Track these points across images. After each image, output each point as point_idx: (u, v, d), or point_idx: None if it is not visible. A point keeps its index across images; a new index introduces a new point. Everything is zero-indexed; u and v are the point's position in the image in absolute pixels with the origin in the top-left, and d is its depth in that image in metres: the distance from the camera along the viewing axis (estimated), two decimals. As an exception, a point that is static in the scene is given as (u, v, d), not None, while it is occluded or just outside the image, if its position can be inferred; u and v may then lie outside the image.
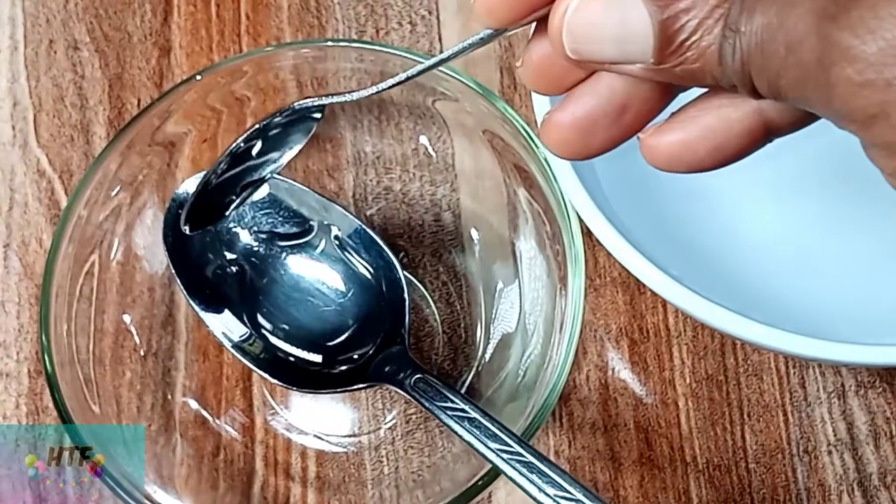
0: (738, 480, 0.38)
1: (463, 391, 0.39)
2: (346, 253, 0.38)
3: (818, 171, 0.39)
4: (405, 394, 0.35)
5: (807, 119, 0.26)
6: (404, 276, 0.40)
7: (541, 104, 0.35)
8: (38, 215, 0.42)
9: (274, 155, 0.34)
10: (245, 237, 0.38)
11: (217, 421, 0.38)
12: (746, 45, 0.22)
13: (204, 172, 0.33)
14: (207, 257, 0.37)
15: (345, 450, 0.39)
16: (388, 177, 0.41)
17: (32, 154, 0.43)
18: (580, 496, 0.31)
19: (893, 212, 0.38)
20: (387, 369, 0.36)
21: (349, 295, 0.37)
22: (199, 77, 0.37)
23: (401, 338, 0.36)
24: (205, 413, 0.38)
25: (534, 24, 0.26)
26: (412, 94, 0.39)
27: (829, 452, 0.38)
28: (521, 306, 0.38)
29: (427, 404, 0.34)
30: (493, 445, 0.32)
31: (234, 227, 0.37)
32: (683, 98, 0.26)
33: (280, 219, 0.38)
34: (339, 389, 0.37)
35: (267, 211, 0.38)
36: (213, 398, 0.39)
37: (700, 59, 0.23)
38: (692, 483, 0.38)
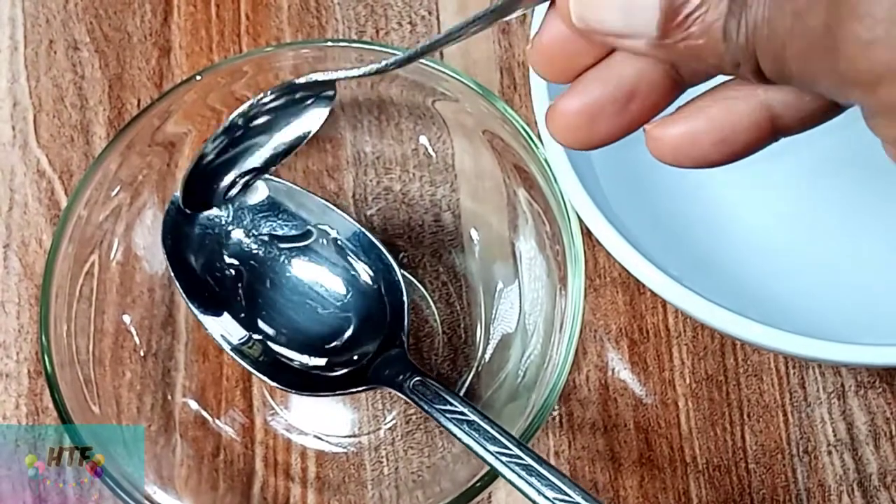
0: (738, 481, 0.38)
1: (463, 391, 0.39)
2: (345, 256, 0.38)
3: (819, 172, 0.39)
4: (404, 397, 0.35)
5: (813, 117, 0.25)
6: (404, 276, 0.40)
7: (541, 104, 0.35)
8: (38, 215, 0.42)
9: (280, 140, 0.35)
10: (244, 240, 0.38)
11: (217, 421, 0.38)
12: (752, 18, 0.22)
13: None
14: (206, 260, 0.37)
15: (345, 450, 0.39)
16: (388, 177, 0.41)
17: (32, 154, 0.43)
18: (579, 499, 0.31)
19: (894, 212, 0.38)
20: (386, 372, 0.36)
21: (348, 298, 0.37)
22: (199, 77, 0.37)
23: (400, 340, 0.36)
24: (205, 413, 0.38)
25: (545, 8, 0.26)
26: (412, 94, 0.39)
27: (829, 453, 0.38)
28: (520, 306, 0.38)
29: (426, 407, 0.34)
30: (492, 448, 0.32)
31: (233, 229, 0.37)
32: (691, 95, 0.26)
33: (279, 221, 0.38)
34: (338, 392, 0.37)
35: (266, 213, 0.38)
36: (213, 399, 0.39)
37: (704, 34, 0.23)
38: (692, 483, 0.38)
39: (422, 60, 0.36)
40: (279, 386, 0.37)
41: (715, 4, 0.23)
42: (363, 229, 0.38)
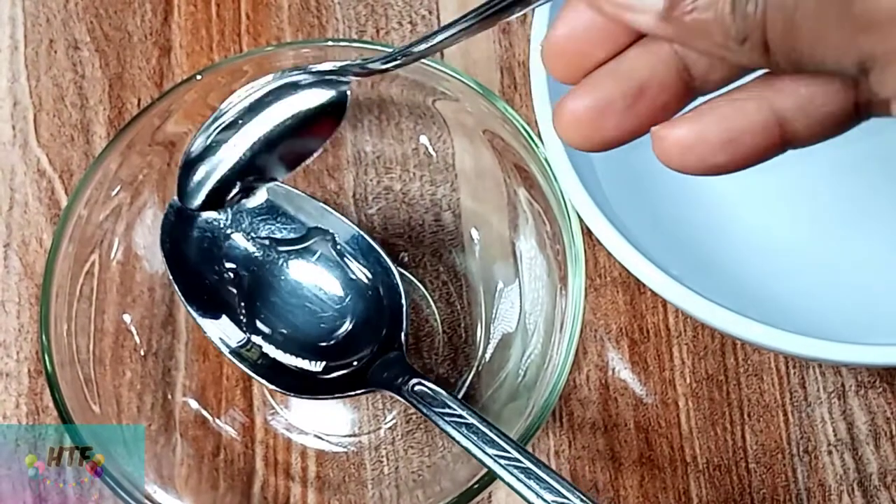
0: (739, 480, 0.38)
1: (463, 391, 0.39)
2: (343, 259, 0.38)
3: (819, 173, 0.39)
4: (403, 399, 0.35)
5: (823, 127, 0.25)
6: (405, 276, 0.40)
7: (541, 104, 0.35)
8: (39, 215, 0.42)
9: (288, 148, 0.35)
10: (243, 243, 0.38)
11: (217, 421, 0.38)
12: None
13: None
14: (205, 263, 0.37)
15: (345, 450, 0.39)
16: (389, 176, 0.41)
17: (33, 154, 0.43)
18: (577, 502, 0.31)
19: (894, 212, 0.38)
20: (384, 375, 0.36)
21: (346, 301, 0.37)
22: (199, 77, 0.37)
23: (399, 343, 0.36)
24: (205, 413, 0.38)
25: (548, 8, 0.26)
26: (412, 93, 0.39)
27: (830, 452, 0.38)
28: (521, 306, 0.38)
29: (425, 410, 0.34)
30: (491, 451, 0.32)
31: (232, 232, 0.37)
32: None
33: (278, 224, 0.38)
34: (336, 395, 0.37)
35: (265, 216, 0.38)
36: (214, 398, 0.39)
37: (712, 6, 0.23)
38: (692, 483, 0.38)
39: (422, 60, 0.37)
40: (278, 389, 0.37)
41: None
42: (362, 232, 0.38)
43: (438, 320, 0.40)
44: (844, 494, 0.38)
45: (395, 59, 0.32)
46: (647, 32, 0.25)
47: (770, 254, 0.38)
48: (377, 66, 0.33)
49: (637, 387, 0.39)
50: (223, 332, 0.37)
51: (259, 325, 0.37)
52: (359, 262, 0.37)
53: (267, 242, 0.38)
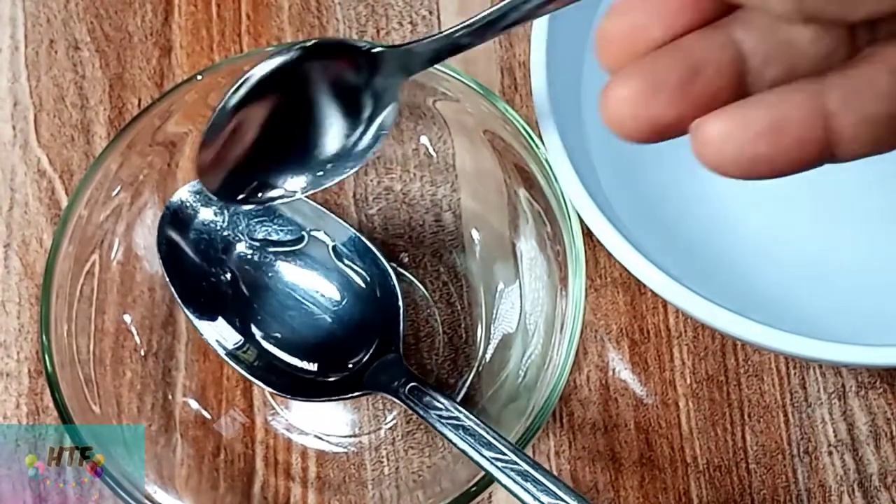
0: (739, 481, 0.38)
1: (463, 391, 0.39)
2: (340, 261, 0.38)
3: (821, 173, 0.39)
4: (399, 402, 0.35)
5: (872, 130, 0.24)
6: (404, 276, 0.40)
7: (541, 104, 0.35)
8: (39, 215, 0.42)
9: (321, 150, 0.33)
10: (239, 245, 0.38)
11: (217, 421, 0.38)
12: None
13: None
14: (201, 265, 0.37)
15: (345, 450, 0.39)
16: (389, 177, 0.41)
17: (33, 154, 0.43)
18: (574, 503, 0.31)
19: (894, 212, 0.38)
20: (381, 377, 0.36)
21: (343, 303, 0.37)
22: (199, 77, 0.37)
23: (395, 346, 0.36)
24: (205, 413, 0.38)
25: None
26: (413, 94, 0.39)
27: (830, 453, 0.38)
28: (521, 307, 0.38)
29: (422, 413, 0.34)
30: (488, 453, 0.32)
31: (229, 234, 0.37)
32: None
33: (274, 226, 0.38)
34: (333, 397, 0.37)
35: (261, 218, 0.38)
36: (214, 398, 0.39)
37: None
38: (692, 484, 0.38)
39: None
40: (274, 391, 0.37)
41: None
42: (358, 234, 0.38)
43: (439, 321, 0.40)
44: (845, 495, 0.38)
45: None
46: None
47: (770, 254, 0.38)
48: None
49: (637, 387, 0.39)
50: (220, 333, 0.37)
51: (255, 327, 0.37)
52: (355, 264, 0.37)
53: (263, 244, 0.38)
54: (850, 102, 0.24)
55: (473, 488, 0.33)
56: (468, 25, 0.31)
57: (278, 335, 0.37)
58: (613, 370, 0.39)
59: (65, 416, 0.34)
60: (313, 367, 0.37)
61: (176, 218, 0.37)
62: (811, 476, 0.38)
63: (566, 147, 0.34)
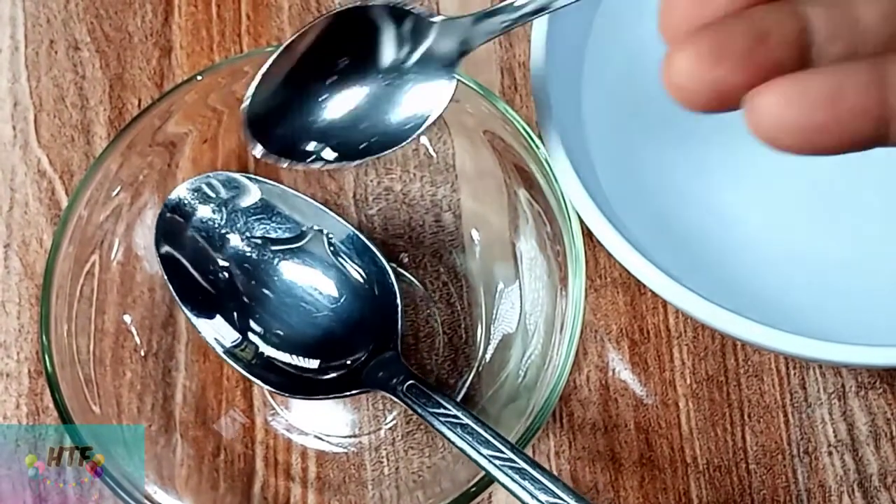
0: (739, 481, 0.38)
1: (463, 392, 0.39)
2: (338, 259, 0.38)
3: (821, 174, 0.39)
4: (397, 400, 0.35)
5: None
6: (404, 276, 0.40)
7: (541, 104, 0.35)
8: (39, 215, 0.42)
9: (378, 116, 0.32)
10: (237, 242, 0.38)
11: (217, 422, 0.38)
12: None
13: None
14: (200, 263, 0.37)
15: (345, 450, 0.39)
16: (389, 177, 0.41)
17: (33, 154, 0.43)
18: (572, 502, 0.31)
19: (894, 213, 0.38)
20: (379, 375, 0.36)
21: (342, 301, 0.37)
22: (199, 77, 0.37)
23: (394, 344, 0.36)
24: (205, 413, 0.38)
25: None
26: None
27: (830, 453, 0.38)
28: (521, 307, 0.38)
29: (419, 410, 0.34)
30: (486, 452, 0.32)
31: (227, 232, 0.38)
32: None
33: (273, 224, 0.38)
34: (331, 395, 0.37)
35: (259, 216, 0.38)
36: (214, 399, 0.39)
37: None
38: (692, 484, 0.38)
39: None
40: (272, 389, 0.37)
41: None
42: (357, 232, 0.38)
43: (439, 321, 0.40)
44: (845, 495, 0.38)
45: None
46: None
47: (770, 254, 0.38)
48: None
49: (637, 387, 0.39)
50: (218, 331, 0.37)
51: (254, 325, 0.37)
52: (354, 262, 0.38)
53: (262, 242, 0.38)
54: None
55: (473, 488, 0.33)
56: None
57: (277, 333, 0.37)
58: (613, 370, 0.39)
59: (65, 417, 0.34)
60: (312, 364, 0.37)
61: (174, 215, 0.37)
62: (811, 476, 0.38)
63: (566, 147, 0.34)
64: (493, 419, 0.35)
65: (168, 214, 0.37)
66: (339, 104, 0.32)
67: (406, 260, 0.40)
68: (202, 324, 0.37)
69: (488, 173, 0.39)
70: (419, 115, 0.32)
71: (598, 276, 0.40)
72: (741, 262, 0.38)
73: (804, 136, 0.24)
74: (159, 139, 0.38)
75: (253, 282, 0.37)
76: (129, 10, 0.44)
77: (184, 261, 0.37)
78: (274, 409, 0.39)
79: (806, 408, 0.39)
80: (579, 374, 0.39)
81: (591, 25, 0.40)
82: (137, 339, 0.38)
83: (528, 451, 0.34)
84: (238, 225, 0.38)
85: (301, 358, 0.37)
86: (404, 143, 0.33)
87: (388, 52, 0.32)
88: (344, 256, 0.38)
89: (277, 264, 0.38)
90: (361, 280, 0.37)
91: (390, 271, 0.37)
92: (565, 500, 0.31)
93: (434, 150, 0.40)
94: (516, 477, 0.31)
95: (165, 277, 0.37)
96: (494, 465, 0.32)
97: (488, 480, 0.33)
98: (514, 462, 0.32)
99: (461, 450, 0.33)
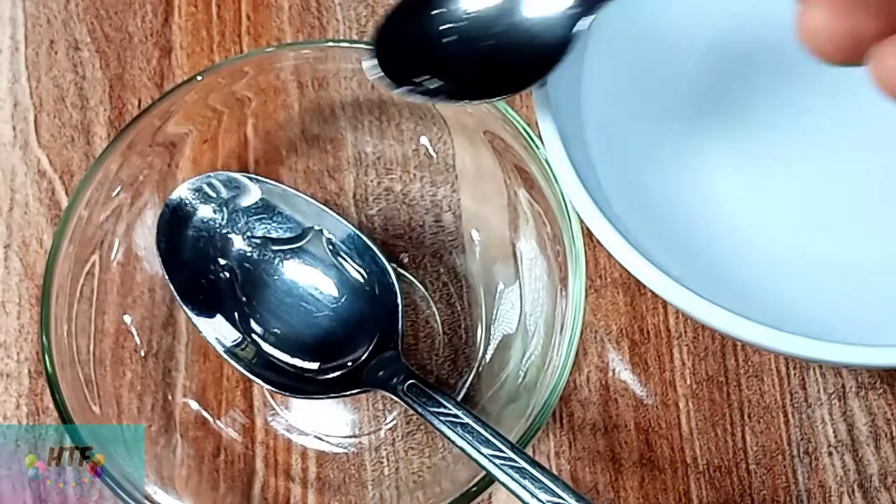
0: (739, 482, 0.38)
1: (463, 392, 0.39)
2: (339, 258, 0.38)
3: (821, 174, 0.39)
4: (398, 399, 0.35)
5: None
6: (404, 276, 0.40)
7: (541, 105, 0.35)
8: (39, 216, 0.42)
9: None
10: (238, 242, 0.38)
11: (217, 422, 0.38)
12: None
13: None
14: (200, 262, 0.37)
15: (345, 451, 0.39)
16: (389, 177, 0.41)
17: (33, 154, 0.43)
18: (572, 501, 0.31)
19: (894, 213, 0.38)
20: (380, 374, 0.36)
21: (342, 300, 0.37)
22: (199, 77, 0.37)
23: (394, 343, 0.36)
24: (205, 414, 0.38)
25: None
26: (413, 94, 0.39)
27: (830, 454, 0.38)
28: (521, 307, 0.38)
29: (419, 409, 0.34)
30: (486, 451, 0.32)
31: (228, 231, 0.38)
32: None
33: (273, 224, 0.38)
34: (332, 395, 0.37)
35: (260, 216, 0.38)
36: (214, 399, 0.39)
37: None
38: (692, 484, 0.38)
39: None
40: (273, 388, 0.37)
41: None
42: (357, 231, 0.38)
43: (439, 321, 0.40)
44: (845, 496, 0.38)
45: None
46: None
47: (770, 255, 0.38)
48: None
49: (637, 388, 0.39)
50: (218, 331, 0.37)
51: (254, 324, 0.37)
52: (354, 262, 0.38)
53: (262, 242, 0.38)
54: None
55: (474, 488, 0.33)
56: None
57: (277, 332, 0.37)
58: (613, 371, 0.39)
59: (65, 417, 0.34)
60: (312, 364, 0.37)
61: (175, 215, 0.37)
62: (811, 476, 0.38)
63: (566, 147, 0.34)
64: (494, 419, 0.35)
65: (169, 214, 0.37)
66: (465, 44, 0.34)
67: (406, 260, 0.40)
68: (203, 323, 0.37)
69: (488, 173, 0.39)
70: (538, 65, 0.33)
71: (598, 276, 0.40)
72: (741, 263, 0.38)
73: (852, 39, 0.24)
74: (159, 139, 0.38)
75: (254, 281, 0.38)
76: (129, 10, 0.44)
77: (185, 260, 0.37)
78: (274, 409, 0.39)
79: (806, 408, 0.39)
80: (579, 374, 0.39)
81: (591, 25, 0.40)
82: (137, 340, 0.38)
83: (528, 452, 0.34)
84: (239, 225, 0.38)
85: (301, 357, 0.37)
86: (521, 90, 0.34)
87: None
88: (344, 256, 0.38)
89: (278, 264, 0.38)
90: (362, 279, 0.37)
91: (391, 271, 0.37)
92: (566, 500, 0.31)
93: (434, 150, 0.40)
94: (517, 476, 0.31)
95: (166, 277, 0.37)
96: (495, 464, 0.32)
97: (488, 480, 0.33)
98: (515, 461, 0.32)
99: (461, 449, 0.33)
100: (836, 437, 0.38)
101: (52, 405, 0.34)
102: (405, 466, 0.38)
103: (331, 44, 0.40)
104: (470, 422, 0.33)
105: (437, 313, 0.40)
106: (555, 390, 0.33)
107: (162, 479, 0.36)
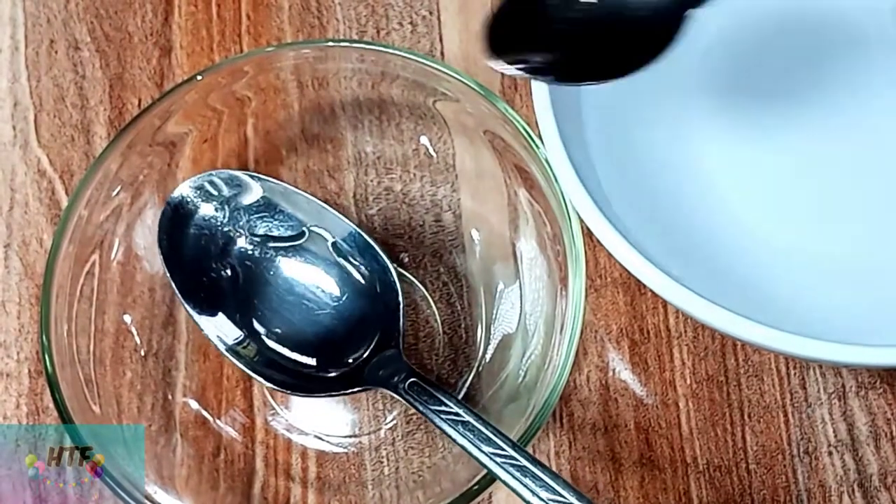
0: (739, 481, 0.38)
1: (463, 392, 0.39)
2: (340, 256, 0.38)
3: (821, 175, 0.39)
4: (399, 397, 0.35)
5: None
6: (405, 276, 0.40)
7: (541, 104, 0.35)
8: (39, 215, 0.42)
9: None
10: (239, 240, 0.38)
11: (217, 421, 0.38)
12: None
13: None
14: (202, 260, 0.37)
15: (345, 450, 0.39)
16: (389, 177, 0.41)
17: (33, 154, 0.43)
18: (573, 500, 0.31)
19: (894, 214, 0.38)
20: (381, 373, 0.36)
21: (343, 298, 0.37)
22: (199, 77, 0.37)
23: (395, 341, 0.36)
24: (205, 413, 0.38)
25: None
26: (413, 94, 0.39)
27: (830, 453, 0.38)
28: (521, 307, 0.38)
29: (420, 407, 0.34)
30: (487, 449, 0.32)
31: (229, 230, 0.38)
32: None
33: (275, 222, 0.38)
34: (333, 393, 0.37)
35: (262, 214, 0.38)
36: (214, 398, 0.39)
37: None
38: (692, 484, 0.38)
39: (423, 60, 0.37)
40: (274, 387, 0.37)
41: None
42: (358, 230, 0.38)
43: (439, 321, 0.40)
44: (845, 495, 0.38)
45: None
46: None
47: (770, 254, 0.38)
48: None
49: (637, 387, 0.39)
50: (220, 329, 0.37)
51: (256, 322, 0.37)
52: (355, 260, 0.38)
53: (264, 240, 0.38)
54: None
55: (475, 487, 0.33)
56: None
57: (279, 330, 0.37)
58: (613, 370, 0.39)
59: (65, 416, 0.34)
60: (313, 362, 0.37)
61: (177, 213, 0.37)
62: (811, 476, 0.38)
63: (566, 147, 0.34)
64: (494, 419, 0.35)
65: (171, 212, 0.37)
66: (575, 25, 0.35)
67: (406, 260, 0.40)
68: (204, 321, 0.37)
69: (488, 173, 0.39)
70: (646, 50, 0.34)
71: (598, 276, 0.40)
72: (741, 262, 0.38)
73: None
74: (159, 139, 0.38)
75: (255, 279, 0.38)
76: (129, 10, 0.44)
77: (186, 258, 0.37)
78: (274, 408, 0.39)
79: (806, 408, 0.39)
80: (579, 374, 0.39)
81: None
82: (137, 339, 0.38)
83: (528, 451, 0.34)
84: (240, 223, 0.38)
85: (303, 355, 0.37)
86: (629, 74, 0.34)
87: None
88: (346, 254, 0.38)
89: (279, 262, 0.38)
90: (363, 278, 0.37)
91: (392, 269, 0.37)
92: (566, 498, 0.31)
93: (434, 150, 0.40)
94: (517, 474, 0.31)
95: (168, 275, 0.37)
96: (496, 462, 0.32)
97: (488, 480, 0.33)
98: (516, 459, 0.32)
99: (462, 447, 0.33)
100: (836, 436, 0.38)
101: (52, 405, 0.34)
102: (405, 466, 0.38)
103: (331, 44, 0.40)
104: (471, 420, 0.33)
105: (437, 313, 0.40)
106: (555, 390, 0.33)
107: (162, 479, 0.36)
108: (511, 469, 0.32)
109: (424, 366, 0.39)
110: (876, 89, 0.40)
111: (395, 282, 0.37)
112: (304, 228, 0.38)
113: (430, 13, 0.44)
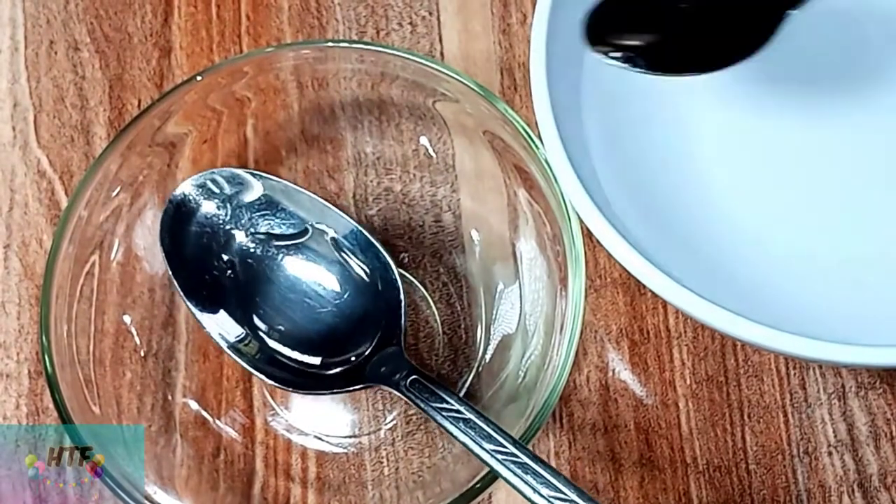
0: (739, 481, 0.38)
1: (463, 392, 0.39)
2: (342, 254, 0.38)
3: (822, 175, 0.39)
4: (400, 395, 0.35)
5: None
6: (404, 276, 0.40)
7: (541, 105, 0.35)
8: (39, 216, 0.42)
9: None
10: (241, 238, 0.38)
11: (217, 422, 0.38)
12: None
13: None
14: (204, 258, 0.37)
15: (345, 450, 0.39)
16: (389, 177, 0.41)
17: (33, 155, 0.43)
18: (575, 497, 0.31)
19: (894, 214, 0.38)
20: (382, 370, 0.36)
21: (345, 296, 0.37)
22: (199, 78, 0.37)
23: (397, 339, 0.36)
24: (205, 414, 0.38)
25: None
26: (412, 94, 0.39)
27: (830, 453, 0.38)
28: (521, 307, 0.38)
29: (422, 405, 0.34)
30: (488, 446, 0.32)
31: (231, 227, 0.38)
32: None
33: (276, 220, 0.38)
34: (335, 391, 0.37)
35: (263, 212, 0.38)
36: (214, 399, 0.39)
37: None
38: (692, 484, 0.38)
39: (423, 61, 0.37)
40: (276, 384, 0.37)
41: None
42: (360, 227, 0.38)
43: (438, 321, 0.40)
44: (845, 495, 0.38)
45: None
46: None
47: (770, 255, 0.38)
48: None
49: (637, 388, 0.39)
50: (222, 327, 0.37)
51: (257, 320, 0.37)
52: (357, 258, 0.38)
53: (265, 237, 0.38)
54: None
55: (475, 487, 0.33)
56: None
57: (280, 328, 0.37)
58: (613, 371, 0.39)
59: (65, 417, 0.34)
60: (315, 360, 0.37)
61: (179, 211, 0.37)
62: (811, 476, 0.38)
63: (566, 147, 0.34)
64: (494, 419, 0.35)
65: (173, 210, 0.37)
66: (675, 17, 0.36)
67: (406, 260, 0.40)
68: (206, 319, 0.37)
69: (488, 173, 0.39)
70: (743, 45, 0.35)
71: (598, 276, 0.40)
72: (741, 263, 0.38)
73: None
74: (159, 139, 0.38)
75: (257, 277, 0.38)
76: (128, 10, 0.44)
77: (188, 256, 0.37)
78: (274, 409, 0.39)
79: (806, 408, 0.39)
80: (579, 374, 0.39)
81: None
82: (137, 340, 0.38)
83: (528, 452, 0.34)
84: (242, 220, 0.38)
85: (304, 353, 0.37)
86: (723, 68, 0.35)
87: None
88: (347, 252, 0.38)
89: (281, 260, 0.38)
90: (364, 275, 0.37)
91: (393, 267, 0.37)
92: (567, 495, 0.31)
93: (434, 151, 0.40)
94: (518, 471, 0.31)
95: (170, 272, 0.37)
96: (497, 459, 0.32)
97: (488, 480, 0.33)
98: (517, 457, 0.32)
99: (464, 444, 0.33)
100: (835, 436, 0.38)
101: (52, 405, 0.34)
102: (405, 466, 0.38)
103: (331, 44, 0.40)
104: (472, 417, 0.33)
105: (436, 313, 0.40)
106: (555, 390, 0.33)
107: (162, 479, 0.36)
108: (512, 466, 0.32)
109: (424, 366, 0.39)
110: (880, 92, 0.40)
111: (396, 279, 0.37)
112: (305, 226, 0.38)
113: (430, 13, 0.44)
